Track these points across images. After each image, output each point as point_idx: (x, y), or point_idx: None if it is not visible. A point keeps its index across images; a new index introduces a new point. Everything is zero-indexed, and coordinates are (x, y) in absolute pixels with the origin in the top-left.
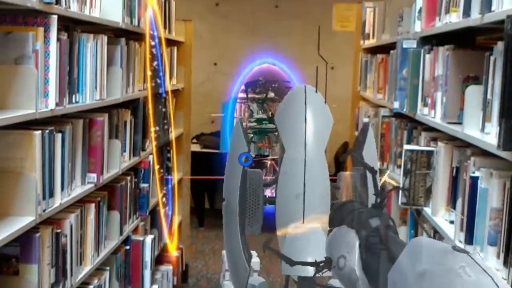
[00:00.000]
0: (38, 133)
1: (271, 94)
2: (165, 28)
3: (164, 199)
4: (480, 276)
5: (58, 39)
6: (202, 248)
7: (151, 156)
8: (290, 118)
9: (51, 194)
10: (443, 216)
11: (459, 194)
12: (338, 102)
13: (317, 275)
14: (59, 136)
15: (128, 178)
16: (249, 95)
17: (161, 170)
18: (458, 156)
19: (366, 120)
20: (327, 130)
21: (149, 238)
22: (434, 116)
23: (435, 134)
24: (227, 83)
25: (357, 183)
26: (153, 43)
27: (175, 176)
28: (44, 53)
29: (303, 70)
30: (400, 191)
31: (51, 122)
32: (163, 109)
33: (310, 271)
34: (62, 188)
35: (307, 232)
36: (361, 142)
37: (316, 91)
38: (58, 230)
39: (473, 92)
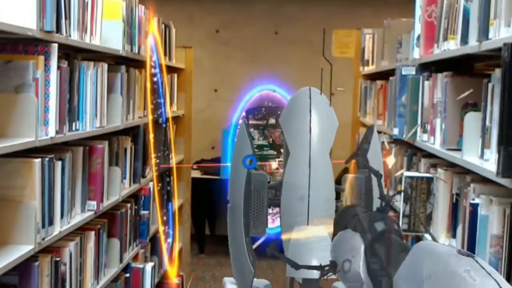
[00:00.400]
0: (37, 161)
1: (272, 121)
2: (165, 55)
3: (164, 226)
4: (485, 280)
5: (59, 67)
6: (203, 275)
7: (151, 183)
8: (295, 120)
9: (51, 222)
10: (443, 243)
11: (459, 221)
12: (338, 128)
13: (322, 278)
14: (59, 164)
15: (128, 205)
16: (250, 122)
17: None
18: (458, 182)
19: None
20: (332, 132)
21: (149, 266)
22: (434, 143)
23: (435, 160)
24: (227, 110)
25: (362, 186)
26: (154, 70)
27: (176, 203)
28: (44, 81)
29: None
30: (401, 219)
31: (51, 150)
32: (164, 136)
33: (314, 273)
34: (62, 216)
35: (312, 235)
36: (366, 144)
37: (320, 93)
38: (57, 258)
39: (472, 119)
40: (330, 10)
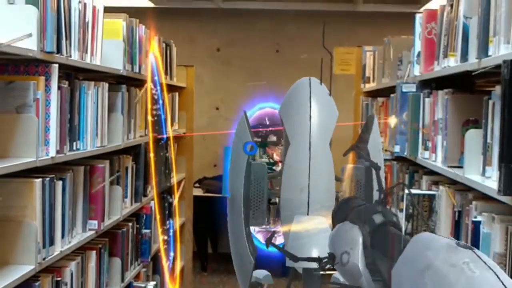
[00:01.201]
0: (38, 181)
1: (273, 138)
2: (166, 74)
3: (165, 244)
4: (484, 272)
5: (59, 87)
6: None
7: (152, 202)
8: (295, 110)
9: (51, 242)
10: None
11: (461, 239)
12: (340, 144)
13: (322, 271)
14: (59, 184)
15: (130, 224)
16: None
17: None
18: (460, 200)
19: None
20: (332, 122)
21: (151, 285)
22: (435, 160)
23: (437, 177)
24: (229, 128)
25: (361, 176)
26: (154, 89)
27: (177, 222)
28: (45, 101)
29: None
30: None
31: (52, 170)
32: (165, 155)
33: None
34: (63, 236)
35: (312, 227)
36: (365, 135)
37: (320, 83)
38: (58, 278)
39: (473, 136)
40: (330, 28)
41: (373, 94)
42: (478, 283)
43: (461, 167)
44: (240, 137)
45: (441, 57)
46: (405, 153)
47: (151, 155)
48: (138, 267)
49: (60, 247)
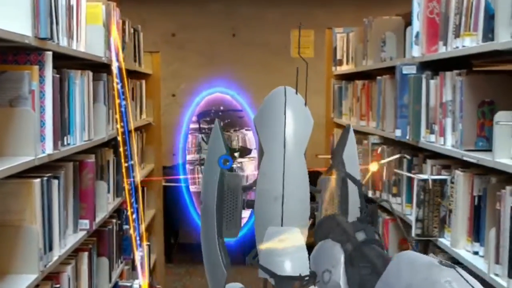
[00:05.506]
0: (37, 181)
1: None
2: (135, 61)
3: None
4: None
5: (52, 77)
6: (174, 286)
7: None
8: (270, 120)
9: (50, 247)
10: (464, 247)
11: (484, 224)
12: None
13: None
14: (55, 183)
15: (114, 221)
16: (202, 126)
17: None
18: (479, 184)
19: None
20: (307, 132)
21: (136, 284)
22: (444, 143)
23: (445, 161)
24: (184, 114)
25: (338, 187)
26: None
27: (144, 214)
28: (39, 93)
29: (261, 98)
30: (414, 223)
31: (43, 168)
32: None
33: (286, 270)
34: (59, 239)
35: (287, 242)
36: (340, 146)
37: (296, 93)
38: (57, 285)
39: (503, 118)
40: (286, 11)
41: (347, 77)
42: None
43: (478, 150)
44: (214, 149)
45: (450, 37)
46: (407, 137)
47: (121, 148)
48: (121, 265)
49: (58, 252)
